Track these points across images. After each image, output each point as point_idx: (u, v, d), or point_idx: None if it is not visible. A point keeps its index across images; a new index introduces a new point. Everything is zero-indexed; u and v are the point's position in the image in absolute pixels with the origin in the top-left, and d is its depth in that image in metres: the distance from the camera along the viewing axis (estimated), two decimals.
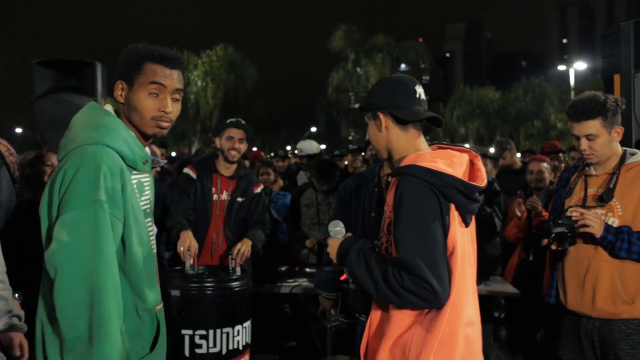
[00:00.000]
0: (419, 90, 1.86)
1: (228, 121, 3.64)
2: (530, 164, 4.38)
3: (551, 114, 29.06)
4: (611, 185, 2.40)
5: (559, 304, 2.58)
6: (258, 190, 3.75)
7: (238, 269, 3.23)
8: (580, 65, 37.71)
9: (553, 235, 2.39)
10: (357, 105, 33.53)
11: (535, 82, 29.94)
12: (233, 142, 3.52)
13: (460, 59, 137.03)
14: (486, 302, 4.56)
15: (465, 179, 1.71)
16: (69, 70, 4.38)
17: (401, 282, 1.62)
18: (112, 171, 1.55)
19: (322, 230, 4.53)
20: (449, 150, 1.83)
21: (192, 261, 3.06)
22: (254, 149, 28.93)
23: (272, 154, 18.75)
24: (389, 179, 1.88)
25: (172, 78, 1.68)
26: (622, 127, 2.46)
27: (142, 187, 1.73)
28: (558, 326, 2.63)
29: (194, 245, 3.13)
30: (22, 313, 1.98)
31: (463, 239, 1.73)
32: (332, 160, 4.94)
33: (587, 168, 2.56)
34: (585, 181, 2.54)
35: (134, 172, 1.68)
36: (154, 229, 1.81)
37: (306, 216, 4.54)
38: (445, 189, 1.66)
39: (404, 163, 1.74)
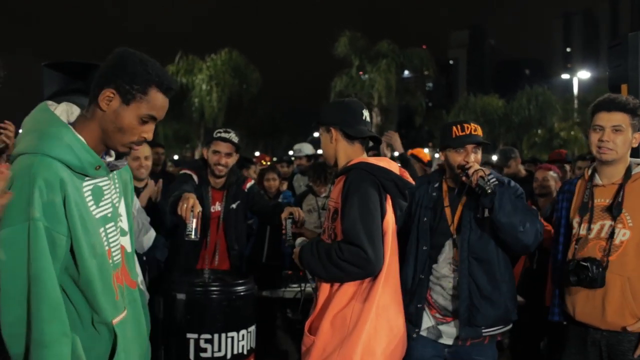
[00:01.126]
0: (365, 114, 2.35)
1: (215, 133, 3.43)
2: (537, 172, 4.41)
3: (555, 122, 29.03)
4: (619, 199, 2.39)
5: (565, 315, 2.56)
6: (248, 185, 3.61)
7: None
8: (584, 74, 37.78)
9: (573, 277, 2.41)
10: None
11: (539, 91, 29.93)
12: (219, 156, 3.36)
13: (464, 66, 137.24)
14: None
15: None
16: (76, 73, 4.39)
17: (342, 255, 2.06)
18: (50, 184, 1.43)
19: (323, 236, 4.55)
20: (384, 158, 2.35)
21: (195, 224, 2.64)
22: (257, 153, 28.98)
23: (275, 159, 18.78)
24: (335, 178, 2.36)
25: (165, 109, 1.60)
26: None
27: (100, 192, 1.61)
28: (562, 336, 2.62)
29: (198, 205, 2.70)
30: None
31: (393, 224, 2.23)
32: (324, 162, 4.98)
33: (592, 180, 2.54)
34: (592, 191, 2.51)
35: (87, 178, 1.56)
36: (117, 235, 1.69)
37: (309, 222, 4.58)
38: (385, 180, 2.18)
39: (350, 165, 2.25)
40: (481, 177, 2.46)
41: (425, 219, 2.66)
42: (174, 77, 1.65)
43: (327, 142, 2.36)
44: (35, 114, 1.57)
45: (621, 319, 2.33)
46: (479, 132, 2.65)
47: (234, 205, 3.52)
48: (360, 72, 26.82)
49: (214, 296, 2.97)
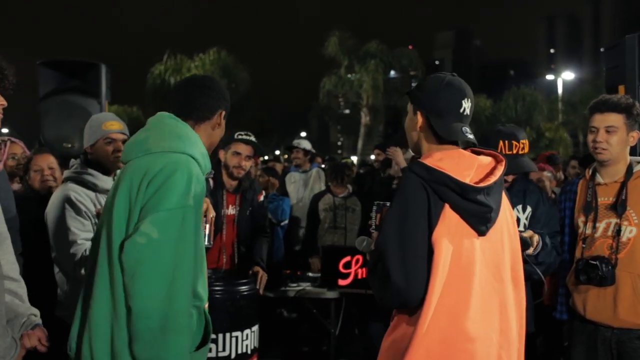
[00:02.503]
0: (465, 105, 1.74)
1: (236, 135, 3.35)
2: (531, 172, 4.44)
3: (540, 122, 29.35)
4: (623, 196, 2.43)
5: (572, 313, 2.58)
6: (261, 198, 3.67)
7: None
8: (568, 75, 38.20)
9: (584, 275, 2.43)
10: (347, 111, 33.63)
11: (525, 91, 30.24)
12: (240, 158, 3.30)
13: (450, 66, 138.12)
14: None
15: (472, 181, 1.64)
16: (73, 72, 4.36)
17: (377, 273, 1.65)
18: (199, 179, 1.70)
19: (338, 234, 4.61)
20: (459, 150, 1.74)
21: (207, 230, 2.61)
22: None
23: (265, 158, 18.74)
24: None
25: None
26: (639, 133, 2.48)
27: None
28: (568, 334, 2.64)
29: (212, 210, 2.69)
30: (37, 311, 2.00)
31: (471, 247, 1.63)
32: (346, 163, 5.03)
33: (594, 179, 2.57)
34: (595, 190, 2.55)
35: None
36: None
37: (324, 220, 4.65)
38: (436, 185, 1.63)
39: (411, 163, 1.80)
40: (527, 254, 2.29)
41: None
42: None
43: (411, 125, 1.81)
44: (167, 119, 1.83)
45: (633, 316, 2.35)
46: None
47: (247, 212, 3.51)
48: (349, 74, 26.88)
49: (218, 296, 2.96)
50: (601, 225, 2.48)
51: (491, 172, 1.71)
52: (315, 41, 31.58)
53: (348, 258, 3.96)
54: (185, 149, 1.74)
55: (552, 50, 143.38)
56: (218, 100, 1.89)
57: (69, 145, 4.20)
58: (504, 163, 1.75)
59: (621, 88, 3.28)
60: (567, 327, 2.72)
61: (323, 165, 7.51)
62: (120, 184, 1.71)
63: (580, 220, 2.57)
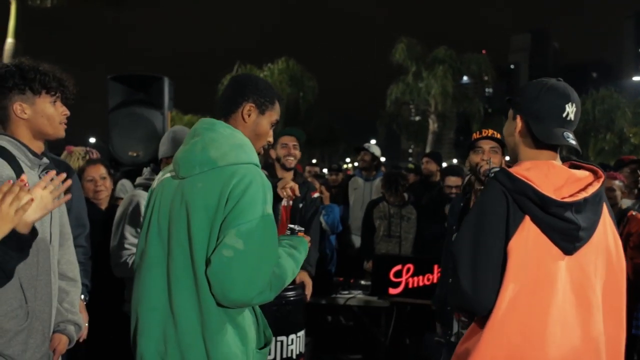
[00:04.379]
0: (569, 110, 1.65)
1: (281, 130, 3.68)
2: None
3: (624, 127, 27.53)
4: None
5: None
6: (315, 195, 3.73)
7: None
8: None
9: None
10: (417, 118, 33.18)
11: (605, 94, 28.51)
12: (288, 149, 3.54)
13: (526, 70, 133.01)
14: None
15: (561, 195, 1.54)
16: (139, 85, 4.62)
17: (451, 276, 1.72)
18: (270, 186, 1.77)
19: (392, 243, 4.59)
20: (551, 162, 1.65)
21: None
22: (314, 161, 29.23)
23: (324, 170, 18.85)
24: None
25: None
26: None
27: None
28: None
29: (296, 185, 2.88)
30: (80, 321, 2.09)
31: (552, 264, 1.53)
32: (401, 172, 4.98)
33: None
34: None
35: None
36: None
37: (379, 229, 4.65)
38: (517, 195, 1.56)
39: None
40: (486, 169, 2.51)
41: (454, 227, 2.78)
42: None
43: (510, 130, 1.75)
44: (224, 130, 1.84)
45: None
46: (497, 135, 2.82)
47: (300, 205, 3.61)
48: (418, 81, 26.53)
49: None
50: None
51: (584, 188, 1.60)
52: (383, 48, 31.44)
53: (399, 267, 3.92)
54: (250, 158, 1.78)
55: (639, 50, 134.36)
56: (241, 92, 1.88)
57: (134, 154, 4.45)
58: (602, 180, 1.64)
59: None
60: None
61: None
62: (194, 202, 1.71)
63: None
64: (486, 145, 2.78)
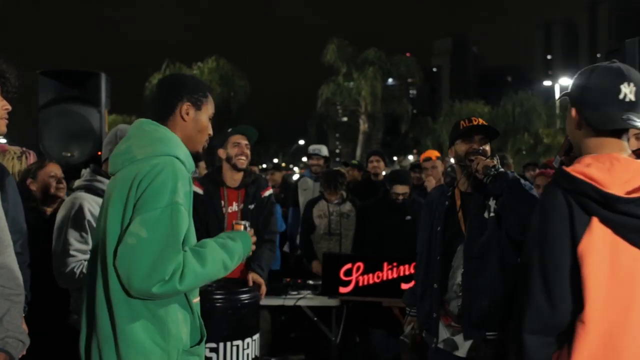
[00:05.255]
0: (626, 90, 1.48)
1: (230, 129, 3.57)
2: (538, 178, 4.37)
3: (539, 128, 29.34)
4: None
5: None
6: (266, 193, 3.61)
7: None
8: (565, 81, 38.26)
9: None
10: (345, 119, 33.66)
11: (524, 97, 30.30)
12: (240, 148, 3.41)
13: (447, 73, 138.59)
14: None
15: (626, 190, 1.40)
16: (73, 81, 4.35)
17: (522, 292, 1.50)
18: (185, 177, 1.76)
19: (333, 241, 4.58)
20: (613, 154, 1.48)
21: None
22: None
23: (263, 166, 18.71)
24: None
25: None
26: None
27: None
28: None
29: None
30: (24, 336, 1.80)
31: (632, 264, 1.41)
32: (339, 170, 4.99)
33: None
34: None
35: None
36: None
37: (319, 227, 4.62)
38: (579, 196, 1.42)
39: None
40: (486, 165, 2.37)
41: (439, 227, 2.62)
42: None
43: (570, 125, 1.61)
44: (147, 125, 1.87)
45: None
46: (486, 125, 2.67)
47: (251, 206, 3.50)
48: (348, 82, 26.91)
49: (219, 304, 2.94)
50: None
51: None
52: (314, 49, 31.67)
53: (349, 265, 3.94)
54: (168, 150, 1.78)
55: (549, 57, 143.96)
56: (175, 94, 1.90)
57: (69, 154, 4.18)
58: None
59: None
60: None
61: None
62: (112, 195, 1.75)
63: None
64: (476, 135, 2.55)
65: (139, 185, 1.68)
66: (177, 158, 1.78)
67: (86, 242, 2.49)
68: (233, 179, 3.50)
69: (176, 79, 2.00)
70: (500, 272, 2.45)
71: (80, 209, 2.53)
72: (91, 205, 2.54)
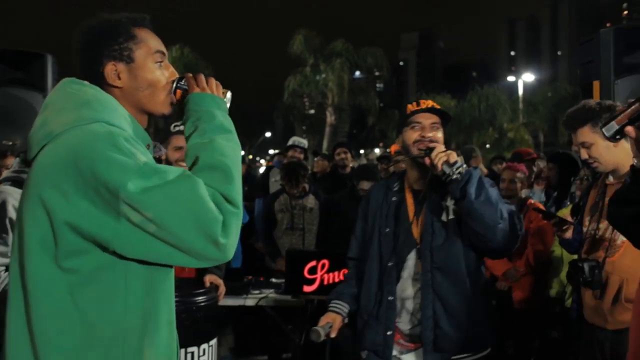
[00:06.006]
0: None
1: (173, 127, 3.00)
2: (504, 172, 4.33)
3: (504, 122, 29.88)
4: None
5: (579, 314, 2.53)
6: None
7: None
8: (528, 77, 39.08)
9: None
10: (312, 111, 33.51)
11: (489, 91, 30.76)
12: (182, 152, 2.86)
13: (414, 67, 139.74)
14: None
15: None
16: (15, 63, 4.00)
17: None
18: (132, 142, 1.27)
19: (296, 235, 4.38)
20: None
21: None
22: None
23: None
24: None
25: (160, 40, 1.47)
26: None
27: None
28: (577, 335, 2.57)
29: None
30: None
31: None
32: (300, 162, 4.81)
33: (607, 178, 2.47)
34: (604, 190, 2.45)
35: None
36: None
37: (281, 222, 4.44)
38: None
39: None
40: (446, 162, 2.03)
41: (388, 229, 2.26)
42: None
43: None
44: (67, 86, 1.36)
45: (622, 320, 2.25)
46: (439, 108, 2.29)
47: None
48: (315, 74, 26.68)
49: None
50: (602, 226, 2.39)
51: None
52: (281, 39, 31.28)
53: (313, 263, 3.74)
54: (97, 115, 1.29)
55: (512, 53, 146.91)
56: (91, 57, 1.37)
57: (10, 143, 3.84)
58: None
59: (596, 84, 3.18)
60: (573, 329, 2.66)
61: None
62: (27, 188, 1.29)
63: (587, 219, 2.50)
64: (426, 120, 2.22)
65: (68, 173, 1.20)
66: (111, 124, 1.29)
67: (6, 244, 2.19)
68: None
69: (84, 34, 1.38)
70: (467, 286, 2.18)
71: (3, 206, 2.21)
72: (17, 200, 2.24)
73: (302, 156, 5.69)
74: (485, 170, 5.80)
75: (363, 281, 2.34)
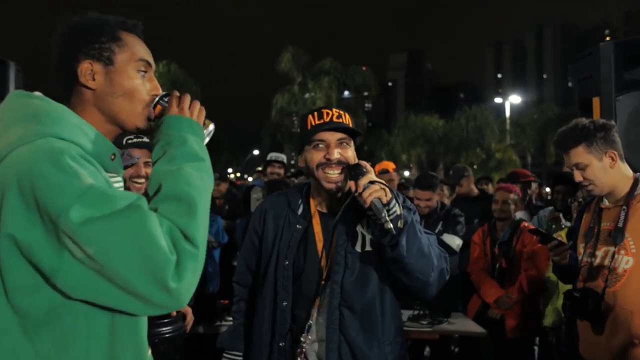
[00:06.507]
0: None
1: (126, 140, 2.57)
2: (497, 192, 4.14)
3: (492, 143, 30.01)
4: (620, 224, 2.15)
5: (572, 346, 2.37)
6: None
7: None
8: (515, 99, 39.61)
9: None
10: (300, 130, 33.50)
11: (477, 111, 30.94)
12: (137, 168, 2.49)
13: (402, 88, 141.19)
14: (444, 343, 4.23)
15: None
16: None
17: None
18: (79, 160, 1.10)
19: None
20: None
21: None
22: None
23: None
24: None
25: (149, 51, 1.34)
26: (616, 151, 2.21)
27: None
28: None
29: None
30: None
31: None
32: (283, 180, 4.61)
33: (601, 201, 2.31)
34: (599, 215, 2.28)
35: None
36: None
37: None
38: None
39: None
40: (379, 198, 1.65)
41: (287, 262, 1.88)
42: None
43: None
44: (13, 100, 1.21)
45: (631, 357, 2.07)
46: (346, 119, 1.87)
47: None
48: (303, 92, 26.64)
49: None
50: (599, 254, 2.21)
51: None
52: (270, 56, 31.28)
53: None
54: (44, 129, 1.13)
55: (499, 75, 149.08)
56: (65, 53, 1.24)
57: None
58: None
59: (595, 100, 2.98)
60: None
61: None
62: None
63: (581, 246, 2.32)
64: (332, 136, 1.83)
65: (18, 201, 1.03)
66: (61, 138, 1.13)
67: None
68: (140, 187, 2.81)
69: (67, 28, 1.26)
70: (380, 331, 1.85)
71: None
72: None
73: (282, 171, 5.43)
74: (476, 191, 5.59)
75: (254, 322, 1.97)
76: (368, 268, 1.85)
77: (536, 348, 4.25)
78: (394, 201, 1.68)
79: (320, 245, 1.88)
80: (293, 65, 26.05)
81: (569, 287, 3.50)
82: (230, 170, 35.25)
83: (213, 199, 5.49)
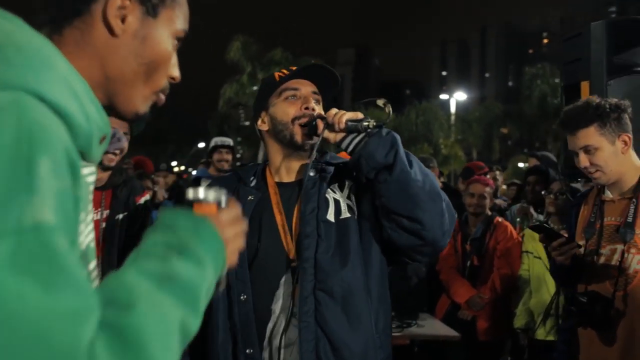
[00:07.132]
0: None
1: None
2: (472, 185, 3.86)
3: (439, 138, 30.57)
4: (629, 219, 1.89)
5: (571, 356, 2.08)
6: (141, 200, 2.68)
7: None
8: (461, 96, 40.72)
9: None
10: (248, 123, 32.85)
11: (426, 106, 31.46)
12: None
13: (349, 82, 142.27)
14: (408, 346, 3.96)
15: None
16: None
17: None
18: (59, 167, 0.66)
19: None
20: None
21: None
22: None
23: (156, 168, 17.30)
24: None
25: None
26: (631, 135, 1.95)
27: (87, 193, 0.83)
28: None
29: None
30: None
31: None
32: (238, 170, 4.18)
33: (602, 193, 2.05)
34: (601, 208, 2.01)
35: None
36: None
37: None
38: None
39: None
40: (349, 119, 1.44)
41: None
42: None
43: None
44: None
45: None
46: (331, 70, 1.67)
47: (120, 216, 2.53)
48: (252, 83, 26.12)
49: None
50: (605, 252, 1.95)
51: None
52: (219, 46, 30.46)
53: None
54: (14, 76, 0.67)
55: (444, 73, 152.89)
56: None
57: None
58: None
59: (585, 84, 2.74)
60: None
61: None
62: None
63: (581, 243, 2.04)
64: (307, 87, 1.60)
65: None
66: (42, 97, 0.68)
67: None
68: (100, 177, 2.48)
69: None
70: (366, 317, 1.48)
71: None
72: None
73: (230, 157, 4.87)
74: (440, 184, 5.35)
75: (206, 333, 1.49)
76: (347, 239, 1.48)
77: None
78: (367, 118, 1.47)
79: (279, 217, 1.53)
80: (242, 55, 25.39)
81: (550, 286, 3.31)
82: (174, 163, 34.19)
83: (155, 193, 4.95)
